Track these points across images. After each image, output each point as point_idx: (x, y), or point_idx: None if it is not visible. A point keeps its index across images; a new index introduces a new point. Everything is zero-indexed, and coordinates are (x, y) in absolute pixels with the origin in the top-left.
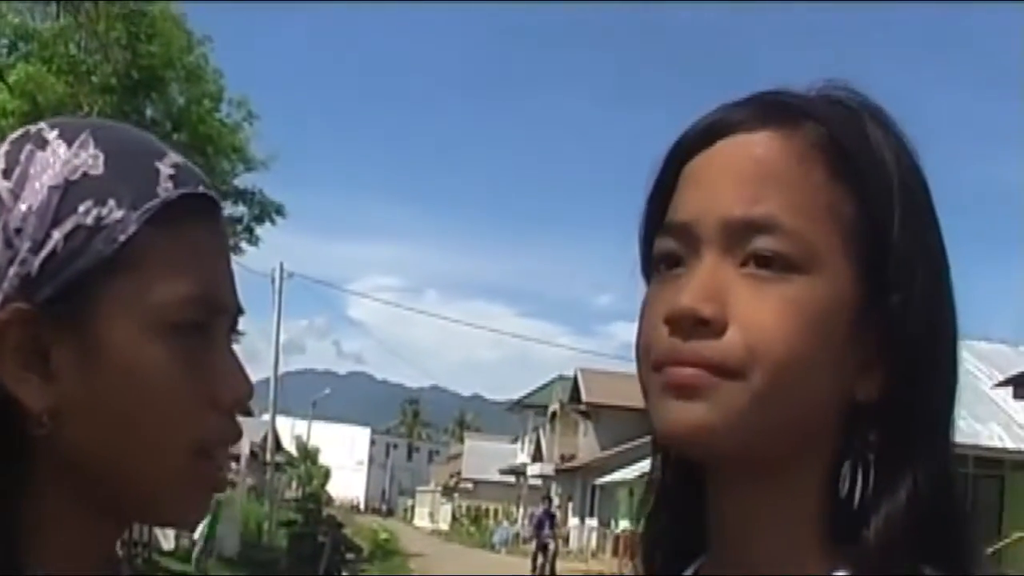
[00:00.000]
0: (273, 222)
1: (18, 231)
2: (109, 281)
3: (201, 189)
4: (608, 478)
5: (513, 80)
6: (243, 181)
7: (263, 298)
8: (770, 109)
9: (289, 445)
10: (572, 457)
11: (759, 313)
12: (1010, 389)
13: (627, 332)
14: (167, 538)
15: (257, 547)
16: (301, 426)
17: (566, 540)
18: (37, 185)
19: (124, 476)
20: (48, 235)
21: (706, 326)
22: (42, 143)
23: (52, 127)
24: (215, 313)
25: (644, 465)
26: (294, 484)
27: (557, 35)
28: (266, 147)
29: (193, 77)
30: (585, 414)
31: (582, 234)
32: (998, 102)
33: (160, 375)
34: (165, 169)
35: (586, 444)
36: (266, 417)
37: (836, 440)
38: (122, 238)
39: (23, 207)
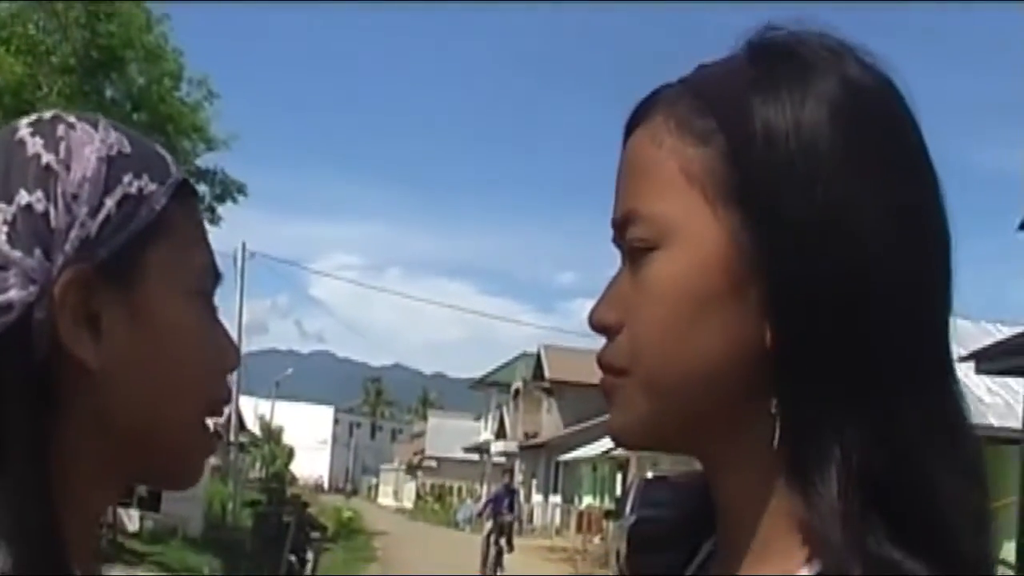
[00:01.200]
0: (235, 201)
1: (75, 196)
2: (152, 247)
3: (187, 177)
4: (572, 455)
5: (475, 57)
6: (204, 161)
7: (225, 278)
8: (645, 103)
9: (253, 425)
10: (536, 434)
11: (635, 304)
12: (971, 364)
13: (589, 309)
14: (131, 519)
15: (222, 527)
16: (264, 406)
17: (530, 517)
18: (85, 156)
19: (152, 434)
20: (102, 202)
21: (609, 332)
22: (71, 124)
23: (67, 114)
24: (216, 283)
25: (607, 442)
26: (258, 464)
27: (527, 17)
28: (227, 126)
29: (153, 56)
30: (548, 391)
31: (545, 212)
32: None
33: (195, 337)
34: (168, 156)
35: (549, 421)
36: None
37: (769, 401)
38: (158, 207)
39: (77, 175)
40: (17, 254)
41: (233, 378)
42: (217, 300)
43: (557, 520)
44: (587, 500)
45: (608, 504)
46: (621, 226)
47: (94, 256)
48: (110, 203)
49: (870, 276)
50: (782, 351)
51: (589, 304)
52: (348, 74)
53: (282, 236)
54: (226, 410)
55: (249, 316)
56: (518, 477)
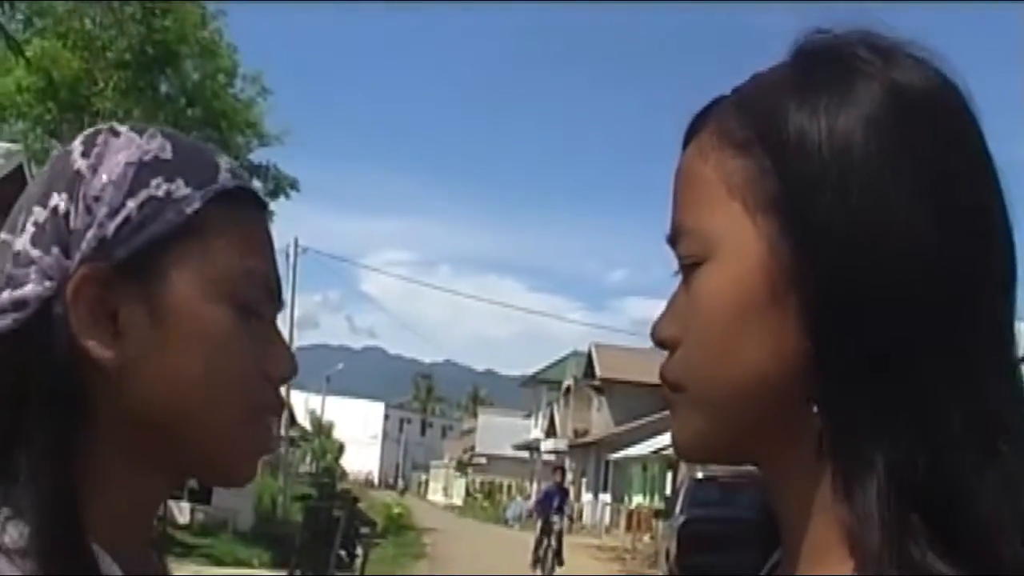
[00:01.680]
0: (287, 196)
1: (96, 199)
2: (176, 248)
3: (252, 187)
4: (622, 453)
5: (530, 57)
6: (257, 156)
7: None
8: (699, 115)
9: (303, 420)
10: (585, 432)
11: (687, 319)
12: None
13: (639, 308)
14: (182, 512)
15: (271, 521)
16: (315, 401)
17: (580, 515)
18: (114, 162)
19: (182, 433)
20: (124, 204)
21: (668, 347)
22: (116, 133)
23: (122, 125)
24: (267, 294)
25: (658, 441)
26: (308, 459)
27: (579, 17)
28: (280, 122)
29: (207, 52)
30: (599, 389)
31: (596, 210)
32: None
33: (220, 338)
34: (224, 164)
35: (600, 419)
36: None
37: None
38: (188, 211)
39: (101, 179)
40: (37, 252)
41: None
42: None
43: (607, 519)
44: (637, 499)
45: (658, 503)
46: (673, 241)
47: (111, 255)
48: (132, 205)
49: (909, 281)
50: (822, 359)
51: (639, 302)
52: (401, 69)
53: (334, 231)
54: None
55: (300, 311)
56: (568, 476)
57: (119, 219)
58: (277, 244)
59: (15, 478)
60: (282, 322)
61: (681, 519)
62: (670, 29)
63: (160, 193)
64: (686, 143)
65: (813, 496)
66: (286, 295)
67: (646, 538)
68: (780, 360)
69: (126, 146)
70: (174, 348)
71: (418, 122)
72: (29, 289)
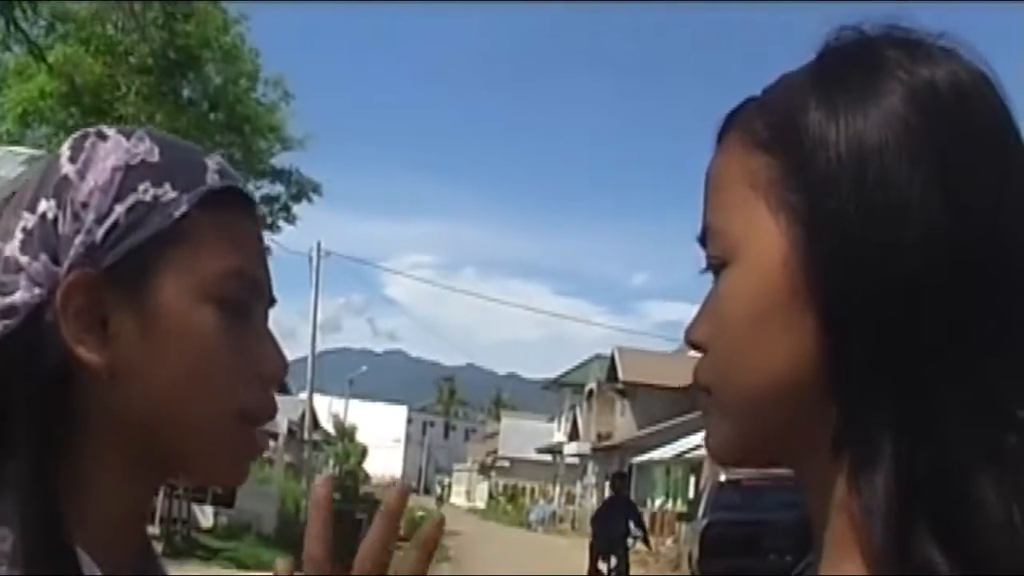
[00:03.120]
0: (310, 200)
1: (84, 205)
2: (165, 252)
3: (240, 185)
4: (645, 457)
5: (557, 60)
6: (280, 160)
7: (300, 277)
8: (727, 118)
9: (326, 423)
10: (609, 436)
11: (714, 320)
12: None
13: (662, 311)
14: (205, 516)
15: (295, 524)
16: (338, 404)
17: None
18: (101, 167)
19: (172, 436)
20: (111, 209)
21: (700, 349)
22: (103, 136)
23: (109, 128)
24: (256, 294)
25: (681, 444)
26: (331, 462)
27: (597, 16)
28: (303, 126)
29: (229, 57)
30: (622, 393)
31: (619, 213)
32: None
33: (209, 341)
34: (212, 164)
35: (623, 423)
36: (303, 395)
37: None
38: (176, 214)
39: (89, 184)
40: (25, 259)
41: (307, 377)
42: (292, 300)
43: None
44: (660, 502)
45: (681, 506)
46: (703, 242)
47: (100, 261)
48: (120, 210)
49: (926, 282)
50: (840, 356)
51: (663, 306)
52: (423, 73)
53: (357, 235)
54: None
55: (323, 314)
56: (591, 479)
57: (107, 224)
58: (301, 248)
59: (3, 484)
60: (305, 325)
61: (704, 522)
62: (700, 31)
63: (148, 198)
64: (717, 144)
65: (833, 494)
66: (309, 300)
67: (669, 541)
68: (801, 360)
69: (114, 150)
70: (164, 352)
71: (443, 125)
72: (18, 296)
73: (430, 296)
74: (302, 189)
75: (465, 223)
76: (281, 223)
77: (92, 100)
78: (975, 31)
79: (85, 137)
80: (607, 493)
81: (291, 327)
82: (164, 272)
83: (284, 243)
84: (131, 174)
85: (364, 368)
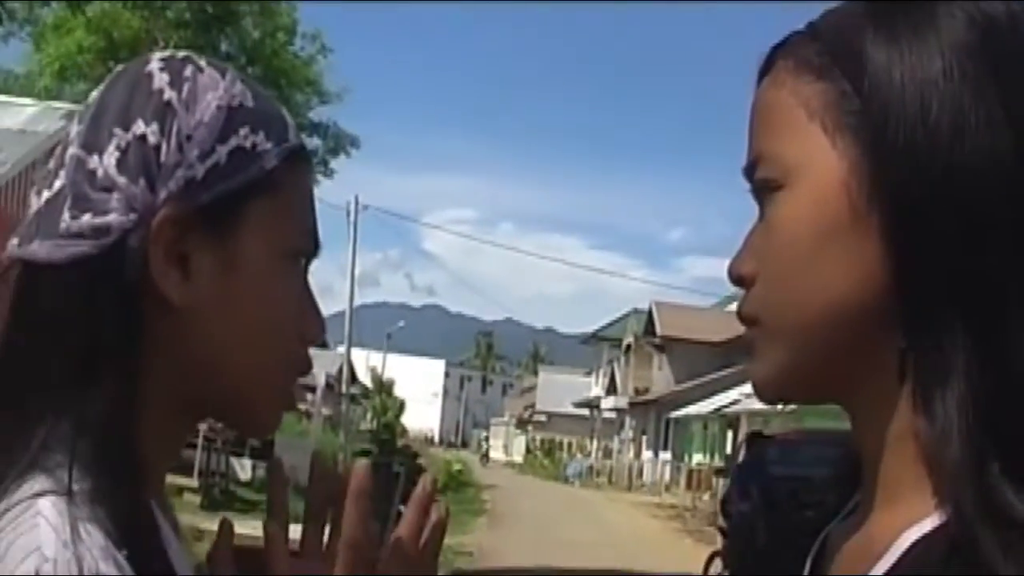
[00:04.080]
0: (348, 154)
1: (189, 137)
2: (254, 203)
3: (305, 145)
4: (682, 412)
5: (593, 17)
6: (318, 114)
7: (338, 231)
8: (771, 52)
9: (364, 377)
10: (646, 391)
11: (765, 250)
12: None
13: (699, 266)
14: (244, 468)
15: (332, 477)
16: (376, 358)
17: (640, 473)
18: (205, 102)
19: (228, 381)
20: (214, 148)
21: (746, 283)
22: (199, 68)
23: (198, 57)
24: (316, 255)
25: (718, 399)
26: (369, 416)
27: None
28: (340, 80)
29: (267, 10)
30: (659, 347)
31: (657, 168)
32: None
33: (279, 295)
34: (290, 121)
35: (660, 377)
36: (341, 349)
37: (899, 340)
38: (267, 167)
39: (196, 118)
40: (123, 180)
41: (345, 331)
42: (330, 254)
43: (667, 477)
44: (697, 457)
45: (718, 462)
46: (750, 172)
47: (196, 199)
48: (222, 151)
49: (990, 203)
50: (903, 281)
51: (699, 260)
52: (460, 26)
53: (395, 189)
54: (338, 363)
55: (361, 269)
56: (627, 433)
57: (209, 163)
58: (338, 202)
59: (81, 416)
60: (343, 280)
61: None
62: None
63: (248, 144)
64: (760, 80)
65: (894, 424)
66: (347, 254)
67: (706, 496)
68: (862, 283)
69: (213, 86)
70: (237, 299)
71: (481, 80)
72: (113, 218)
73: (468, 251)
74: (339, 143)
75: (503, 178)
76: (319, 177)
77: (129, 55)
78: None
79: (182, 63)
80: (644, 447)
81: (329, 282)
82: (250, 222)
83: (322, 197)
84: (233, 116)
85: (402, 323)
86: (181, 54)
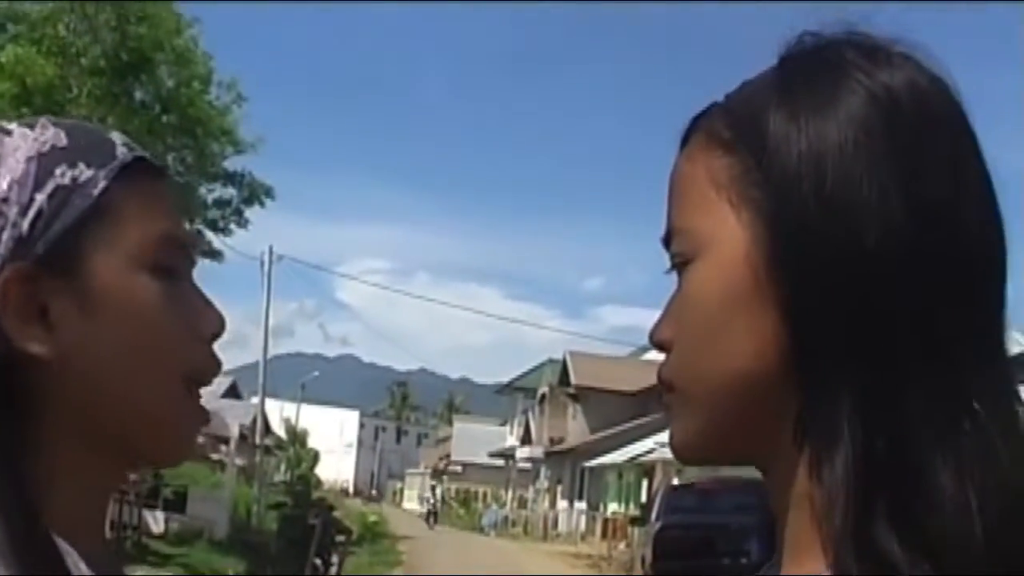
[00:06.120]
0: (262, 204)
1: (5, 200)
2: (92, 231)
3: (147, 155)
4: (597, 461)
5: (503, 62)
6: (232, 163)
7: (252, 281)
8: (689, 125)
9: (278, 428)
10: (561, 440)
11: (679, 318)
12: None
13: (617, 315)
14: (156, 521)
15: (247, 530)
16: (290, 409)
17: (555, 523)
18: (13, 161)
19: (128, 411)
20: (32, 199)
21: (664, 349)
22: (6, 132)
23: (9, 123)
24: (183, 255)
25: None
26: (283, 467)
27: (555, 19)
28: (255, 129)
29: (182, 59)
30: (574, 397)
31: (572, 218)
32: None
33: (148, 309)
34: (118, 140)
35: (575, 427)
36: (255, 400)
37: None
38: (96, 192)
39: (5, 181)
40: None
41: (258, 381)
42: (243, 304)
43: (583, 526)
44: (612, 506)
45: (633, 510)
46: (667, 242)
47: (31, 252)
48: (40, 198)
49: (883, 277)
50: (798, 350)
51: (616, 310)
52: (376, 78)
53: (310, 239)
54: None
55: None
56: (543, 483)
57: (31, 215)
58: (253, 252)
59: None
60: (257, 330)
61: (657, 525)
62: (658, 36)
63: (66, 180)
64: (681, 148)
65: (795, 487)
66: (260, 304)
67: (622, 545)
68: (764, 352)
69: (20, 143)
70: (108, 330)
71: (396, 130)
72: None
73: (383, 301)
74: (254, 192)
75: (418, 228)
76: (233, 227)
77: (43, 101)
78: (973, 32)
79: None
80: (560, 497)
81: (243, 332)
82: (95, 251)
83: (236, 247)
84: (44, 161)
85: (316, 373)
86: None
